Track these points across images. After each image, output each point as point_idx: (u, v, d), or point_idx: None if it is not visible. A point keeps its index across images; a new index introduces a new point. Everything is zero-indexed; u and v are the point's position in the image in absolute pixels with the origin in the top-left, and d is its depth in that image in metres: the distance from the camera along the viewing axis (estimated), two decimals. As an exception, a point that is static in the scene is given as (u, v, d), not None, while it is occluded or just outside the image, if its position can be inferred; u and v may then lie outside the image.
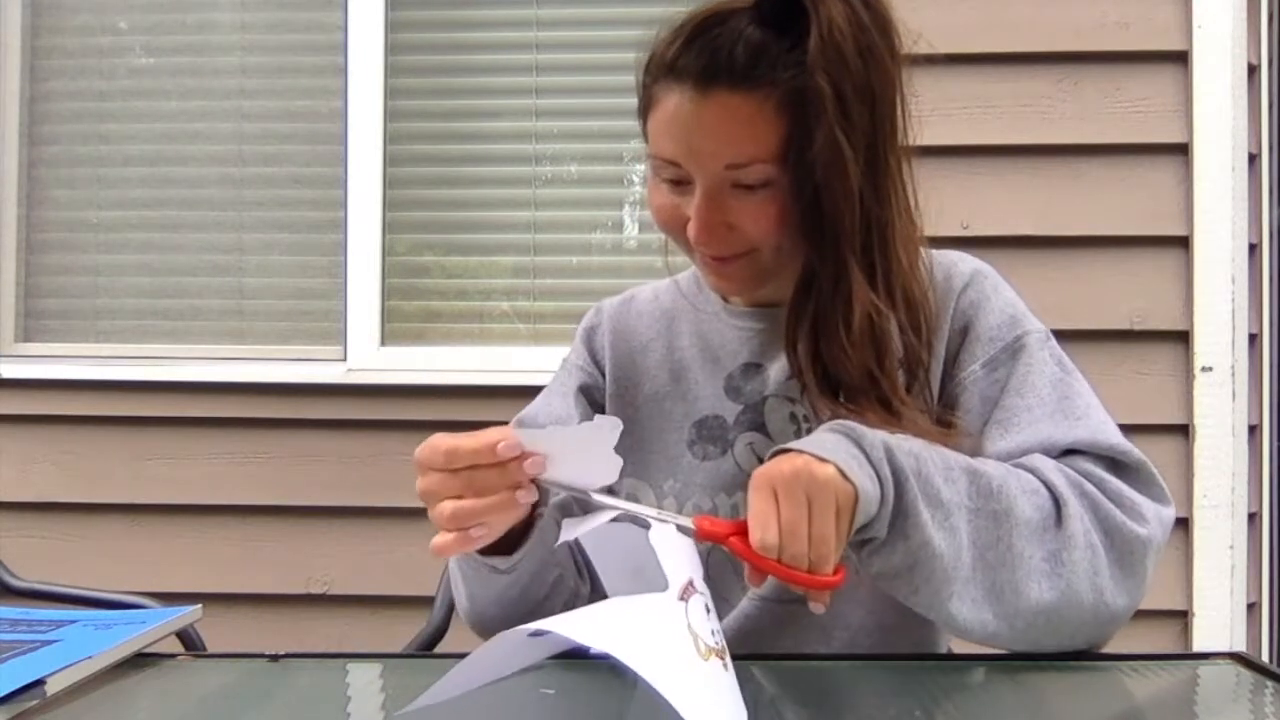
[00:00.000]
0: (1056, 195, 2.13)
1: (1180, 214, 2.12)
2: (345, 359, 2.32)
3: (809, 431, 0.99)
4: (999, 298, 1.04)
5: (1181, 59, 2.13)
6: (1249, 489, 2.12)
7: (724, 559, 1.04)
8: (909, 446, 0.86)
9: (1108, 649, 0.98)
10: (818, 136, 0.90)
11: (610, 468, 0.82)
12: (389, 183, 2.36)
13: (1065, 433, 0.94)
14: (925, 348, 0.99)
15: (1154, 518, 0.91)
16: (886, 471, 0.83)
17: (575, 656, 0.77)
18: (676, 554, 0.77)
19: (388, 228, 2.36)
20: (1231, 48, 2.11)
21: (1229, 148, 2.10)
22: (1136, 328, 2.12)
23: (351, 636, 2.20)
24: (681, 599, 0.72)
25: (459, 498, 0.81)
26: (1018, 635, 0.89)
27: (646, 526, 0.79)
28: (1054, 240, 2.13)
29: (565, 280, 2.37)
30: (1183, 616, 2.10)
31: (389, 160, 2.36)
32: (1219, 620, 2.08)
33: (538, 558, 0.94)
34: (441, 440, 0.82)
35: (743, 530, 0.78)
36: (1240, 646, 2.03)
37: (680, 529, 0.79)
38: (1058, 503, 0.89)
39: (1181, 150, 2.13)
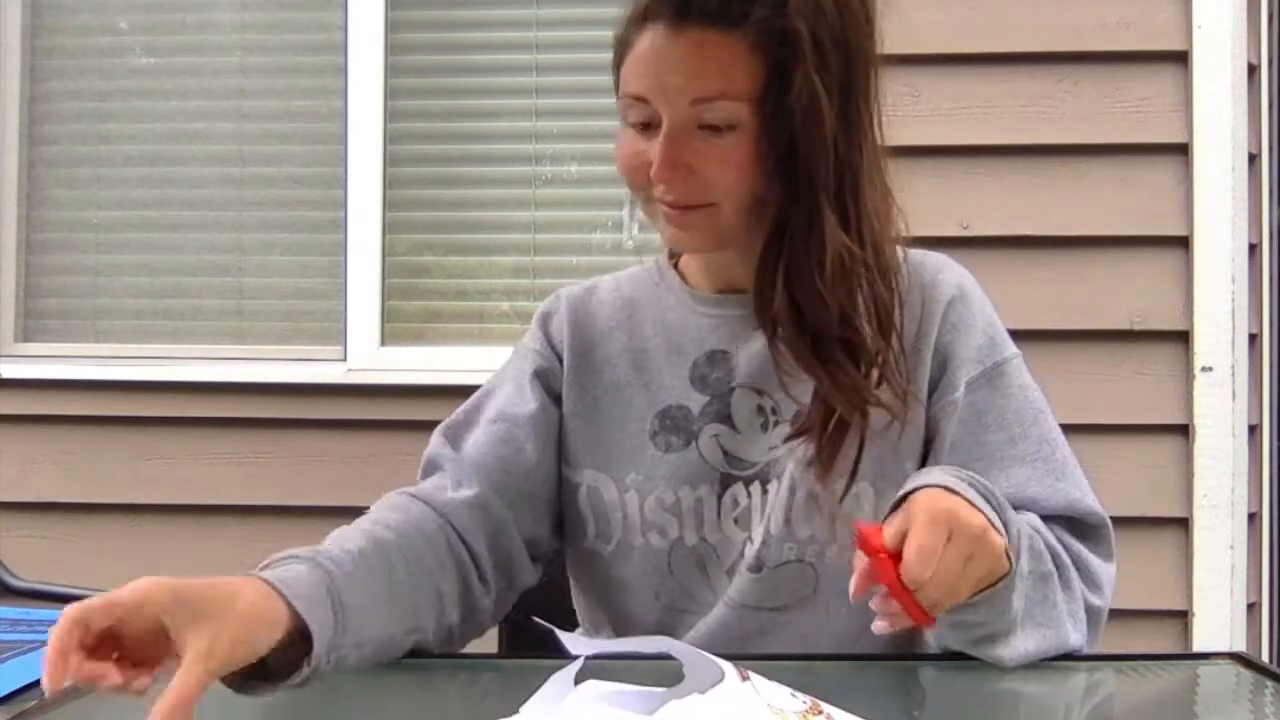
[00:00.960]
0: (1056, 195, 2.13)
1: (1180, 214, 2.12)
2: (345, 359, 2.32)
3: (776, 425, 1.00)
4: (982, 318, 1.03)
5: (1181, 59, 2.13)
6: (1249, 489, 2.12)
7: (688, 558, 1.02)
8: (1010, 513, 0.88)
9: (1107, 649, 0.98)
10: (795, 80, 0.91)
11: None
12: (389, 183, 2.36)
13: (1049, 495, 0.97)
14: (896, 305, 0.98)
15: (1107, 584, 0.98)
16: (1013, 555, 0.85)
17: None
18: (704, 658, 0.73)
19: (388, 228, 2.36)
20: (1231, 48, 2.10)
21: (1229, 148, 2.10)
22: (1136, 328, 2.12)
23: (351, 636, 2.20)
24: (744, 680, 0.70)
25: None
26: (1018, 661, 0.91)
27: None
28: (1054, 240, 2.13)
29: (565, 280, 2.36)
30: (1183, 616, 2.10)
31: (389, 160, 2.36)
32: (1219, 620, 2.08)
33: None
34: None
35: (896, 553, 0.78)
36: (1240, 646, 2.03)
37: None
38: (1059, 566, 0.94)
39: (1181, 150, 2.13)
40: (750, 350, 1.02)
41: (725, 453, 1.02)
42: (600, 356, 1.09)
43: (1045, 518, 0.96)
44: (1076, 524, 0.98)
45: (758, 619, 1.00)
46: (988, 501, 0.84)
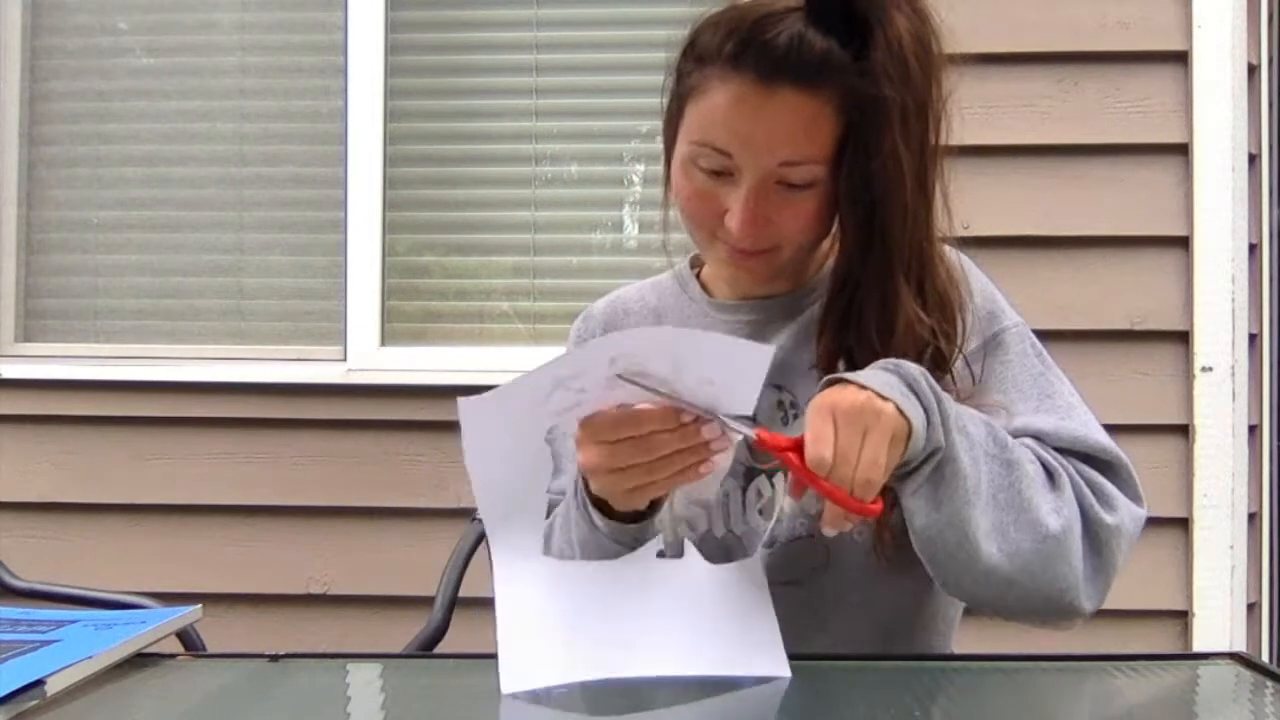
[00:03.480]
0: (1056, 195, 2.13)
1: (1180, 214, 2.12)
2: (345, 359, 2.32)
3: (795, 420, 1.02)
4: (979, 294, 1.05)
5: (1181, 59, 2.13)
6: (1249, 489, 2.12)
7: (717, 549, 1.04)
8: (938, 388, 0.91)
9: (1108, 649, 0.98)
10: (882, 147, 0.92)
11: (751, 394, 0.86)
12: (389, 183, 2.36)
13: (1050, 426, 0.98)
14: (954, 343, 0.99)
15: (1125, 509, 0.96)
16: (933, 404, 0.88)
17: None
18: None
19: (388, 228, 2.36)
20: (1231, 48, 2.11)
21: (1229, 148, 2.10)
22: (1136, 328, 2.12)
23: (351, 636, 2.20)
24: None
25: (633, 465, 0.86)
26: (1013, 574, 0.92)
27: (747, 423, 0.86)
28: (1054, 240, 2.13)
29: (565, 280, 2.37)
30: (1183, 616, 2.10)
31: (389, 160, 2.36)
32: (1219, 620, 2.08)
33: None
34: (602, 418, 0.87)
35: (797, 446, 0.84)
36: (1240, 646, 2.03)
37: (745, 438, 0.87)
38: (1050, 473, 0.95)
39: (1181, 150, 2.13)
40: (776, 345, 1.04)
41: (750, 450, 1.03)
42: None
43: (1055, 450, 0.97)
44: (1092, 460, 0.98)
45: (775, 593, 1.01)
46: (898, 378, 0.88)
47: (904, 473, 0.89)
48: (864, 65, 0.91)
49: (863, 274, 0.96)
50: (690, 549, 0.94)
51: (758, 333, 1.07)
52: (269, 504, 2.25)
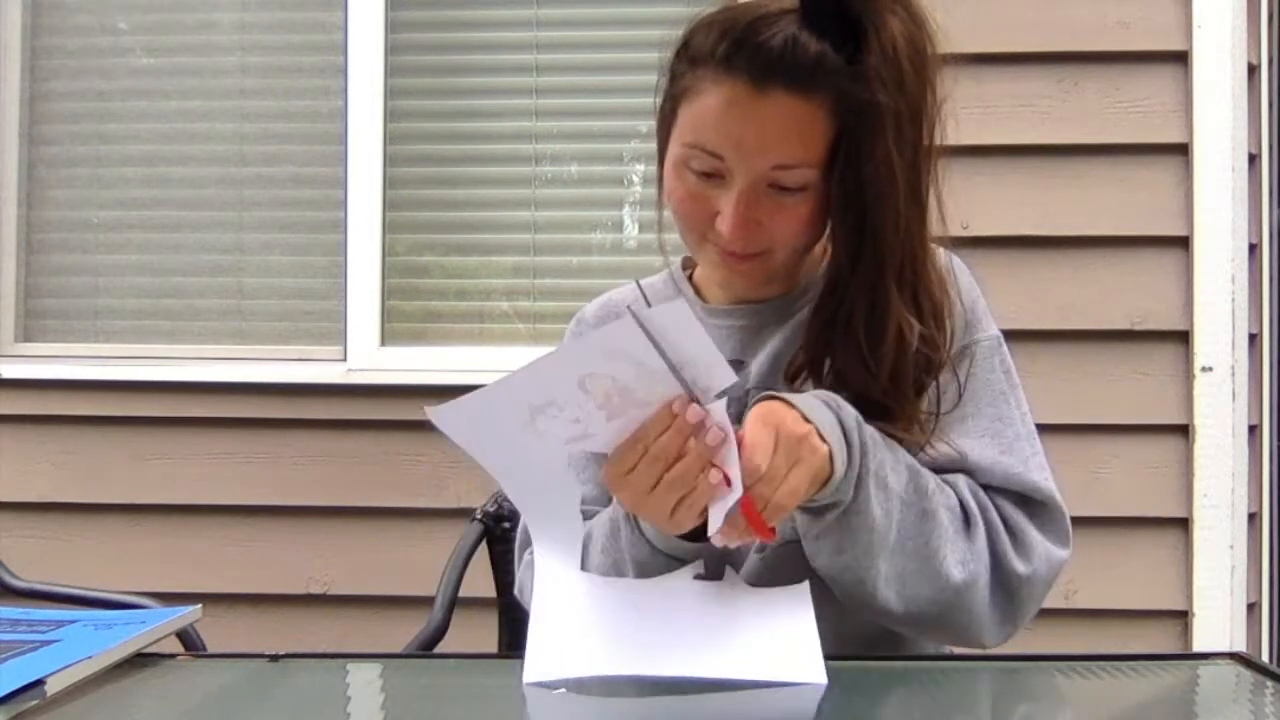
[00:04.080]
0: (1056, 195, 2.13)
1: (1180, 214, 2.12)
2: (345, 359, 2.32)
3: None
4: (960, 303, 1.03)
5: (1181, 59, 2.13)
6: (1249, 489, 2.12)
7: (711, 555, 1.01)
8: (873, 434, 0.93)
9: (1108, 649, 0.98)
10: (875, 153, 0.91)
11: (727, 374, 0.85)
12: (389, 183, 2.36)
13: (990, 466, 0.98)
14: (943, 347, 0.99)
15: (1042, 558, 0.97)
16: (856, 454, 0.89)
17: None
18: None
19: (388, 228, 2.36)
20: (1231, 48, 2.10)
21: (1229, 148, 2.10)
22: (1136, 328, 2.12)
23: (351, 636, 2.20)
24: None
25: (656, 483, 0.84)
26: (907, 617, 0.95)
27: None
28: (1054, 240, 2.13)
29: (565, 280, 2.37)
30: (1183, 616, 2.10)
31: (389, 160, 2.36)
32: (1219, 620, 2.08)
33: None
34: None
35: (740, 441, 0.84)
36: (1240, 646, 2.03)
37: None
38: (969, 522, 0.96)
39: (1181, 150, 2.13)
40: (762, 356, 1.05)
41: None
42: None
43: (988, 489, 0.98)
44: (1025, 500, 0.98)
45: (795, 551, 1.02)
46: (838, 420, 0.89)
47: (808, 511, 0.91)
48: (858, 69, 0.91)
49: (853, 279, 0.95)
50: (730, 573, 0.96)
51: (750, 337, 1.07)
52: (269, 504, 2.25)
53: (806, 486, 0.86)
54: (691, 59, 0.96)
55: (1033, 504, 0.98)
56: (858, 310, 0.95)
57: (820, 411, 0.88)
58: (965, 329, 1.02)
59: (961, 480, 0.98)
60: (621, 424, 0.85)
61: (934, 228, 0.99)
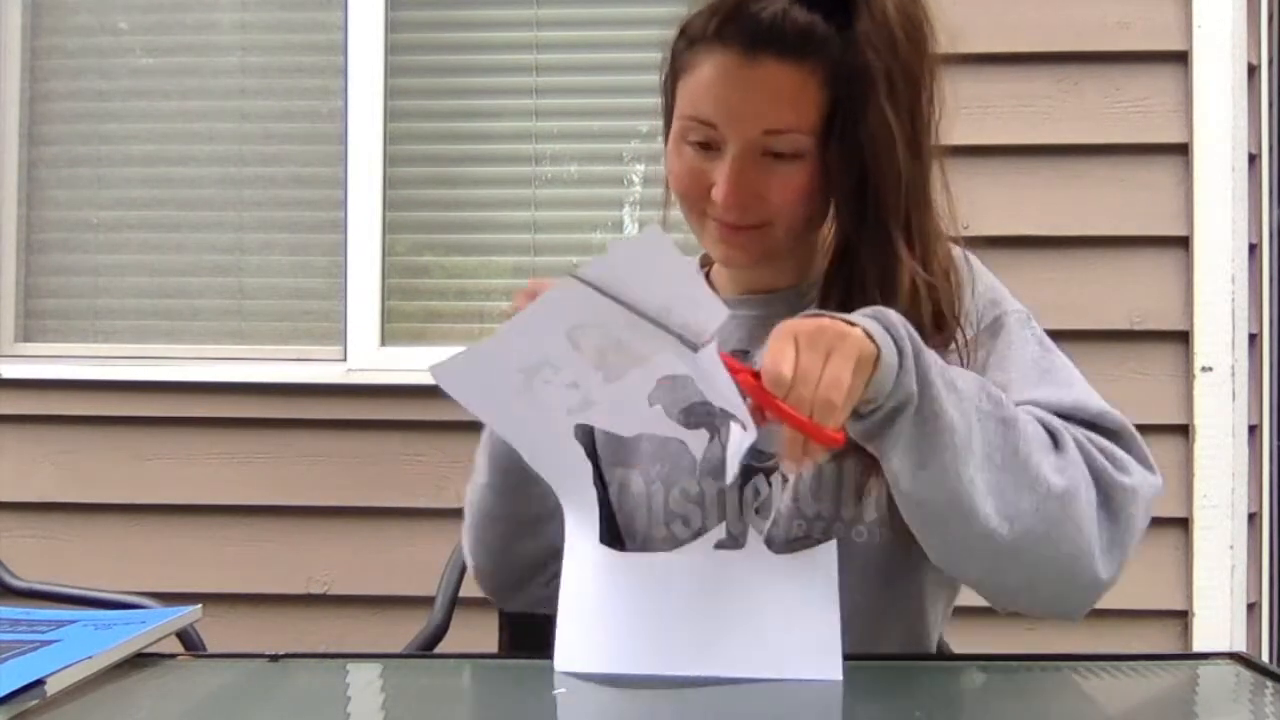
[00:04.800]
0: (1056, 195, 2.13)
1: (1180, 214, 2.12)
2: (345, 359, 2.32)
3: None
4: (979, 282, 1.04)
5: (1181, 59, 2.13)
6: (1249, 489, 2.12)
7: None
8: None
9: (1107, 649, 0.97)
10: (869, 115, 0.92)
11: (718, 310, 0.80)
12: (389, 183, 2.36)
13: (1049, 395, 0.95)
14: (956, 319, 0.99)
15: (1138, 473, 0.92)
16: (908, 346, 0.84)
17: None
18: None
19: (388, 228, 2.36)
20: (1231, 48, 2.10)
21: (1229, 148, 2.10)
22: (1136, 328, 2.12)
23: (351, 636, 2.20)
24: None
25: None
26: (1013, 537, 0.87)
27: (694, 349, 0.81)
28: (1054, 240, 2.13)
29: (565, 280, 2.37)
30: (1183, 616, 2.10)
31: (389, 160, 2.36)
32: (1219, 620, 2.08)
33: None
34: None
35: (756, 374, 0.79)
36: (1240, 646, 2.03)
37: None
38: (1053, 434, 0.90)
39: (1181, 150, 2.13)
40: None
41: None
42: None
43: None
44: (1097, 428, 0.94)
45: None
46: (879, 321, 0.84)
47: (875, 420, 0.84)
48: (849, 36, 0.92)
49: (860, 243, 0.96)
50: (754, 537, 0.92)
51: (761, 327, 1.05)
52: (269, 504, 2.25)
53: (851, 372, 0.79)
54: (689, 39, 0.98)
55: (1108, 431, 0.94)
56: (870, 272, 0.96)
57: (851, 314, 0.85)
58: (992, 305, 1.02)
59: (1030, 407, 0.93)
60: (621, 389, 0.83)
61: (942, 211, 1.00)
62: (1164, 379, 2.12)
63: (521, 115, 2.38)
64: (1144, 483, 0.92)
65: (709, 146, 0.97)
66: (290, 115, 2.41)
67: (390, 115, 2.36)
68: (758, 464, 1.03)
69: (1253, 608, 2.13)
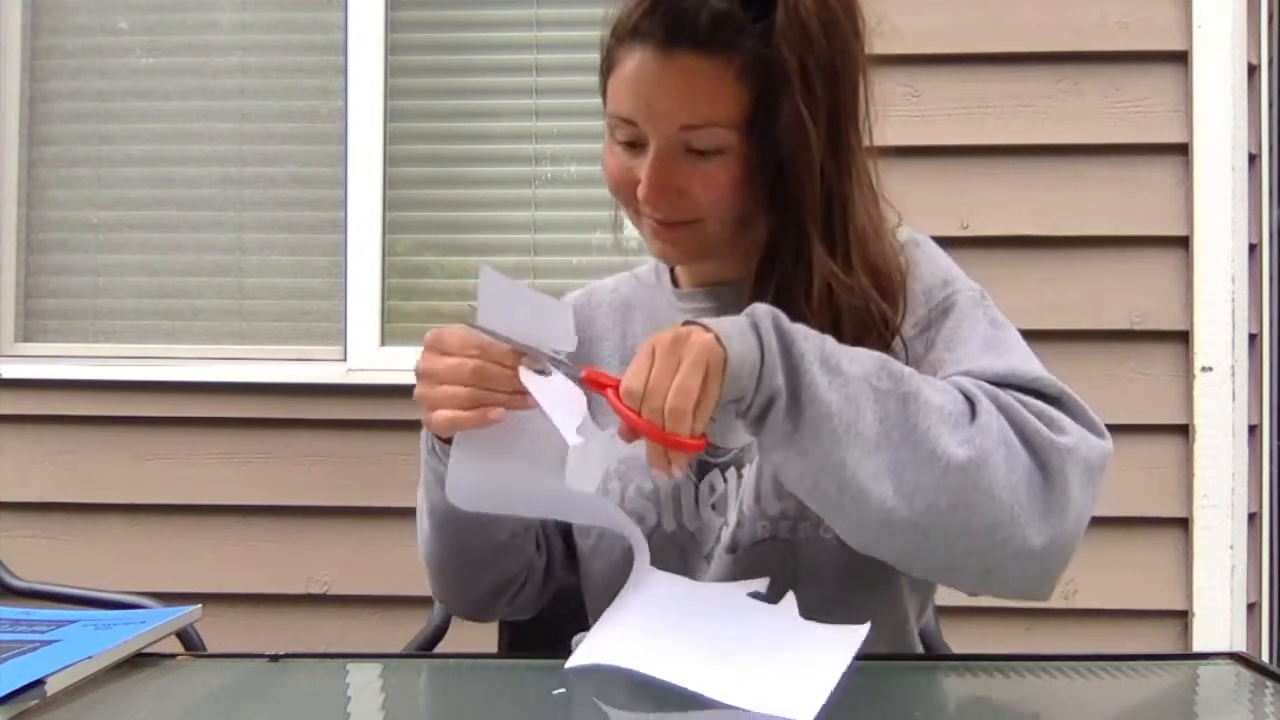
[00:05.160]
0: (1056, 195, 2.13)
1: (1180, 214, 2.12)
2: (345, 359, 2.32)
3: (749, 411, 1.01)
4: (930, 264, 1.03)
5: (1181, 59, 2.13)
6: (1249, 489, 2.12)
7: (667, 545, 1.03)
8: (818, 334, 0.88)
9: (1108, 649, 0.97)
10: (783, 109, 0.92)
11: (569, 336, 0.87)
12: (389, 183, 2.36)
13: (985, 365, 0.93)
14: (896, 310, 0.98)
15: (1078, 433, 0.89)
16: (772, 340, 0.85)
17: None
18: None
19: (388, 228, 2.36)
20: (1231, 48, 2.10)
21: (1229, 148, 2.10)
22: (1136, 328, 2.12)
23: (351, 636, 2.20)
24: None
25: (461, 386, 0.87)
26: (916, 517, 0.85)
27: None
28: (1054, 240, 2.13)
29: (565, 280, 2.37)
30: (1183, 616, 2.10)
31: (389, 160, 2.36)
32: (1219, 620, 2.08)
33: None
34: (455, 330, 0.89)
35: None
36: (1240, 646, 2.03)
37: (570, 376, 0.87)
38: (971, 402, 0.88)
39: (1181, 150, 2.13)
40: None
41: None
42: (595, 359, 1.12)
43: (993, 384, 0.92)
44: (1034, 393, 0.91)
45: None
46: (748, 321, 0.86)
47: (751, 417, 0.85)
48: (763, 27, 0.91)
49: (782, 238, 0.96)
50: (790, 601, 0.91)
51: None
52: (269, 504, 2.25)
53: (700, 380, 0.80)
54: (616, 35, 0.97)
55: (1047, 398, 0.91)
56: (790, 269, 0.96)
57: (722, 319, 0.86)
58: (942, 285, 1.01)
59: (957, 377, 0.92)
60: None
61: (881, 203, 1.00)
62: (1164, 379, 2.12)
63: (521, 115, 2.38)
64: (1083, 443, 0.88)
65: (635, 144, 0.97)
66: (290, 115, 2.41)
67: (390, 115, 2.36)
68: (713, 459, 1.03)
69: (1253, 608, 2.13)
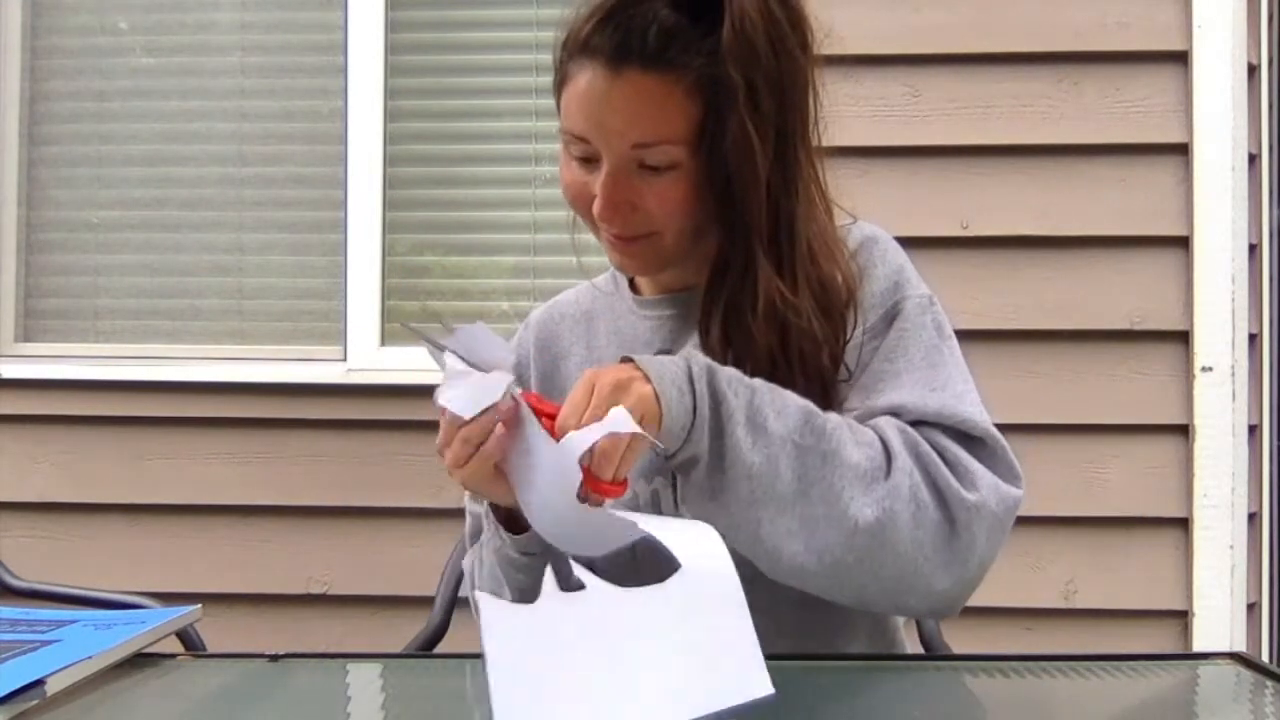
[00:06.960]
0: (1056, 195, 2.13)
1: (1180, 214, 2.12)
2: (345, 359, 2.32)
3: None
4: (884, 265, 1.03)
5: (1181, 59, 2.13)
6: (1249, 489, 2.12)
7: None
8: (751, 383, 0.90)
9: (1108, 649, 0.97)
10: (730, 127, 0.92)
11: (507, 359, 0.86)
12: (389, 183, 2.36)
13: (917, 401, 0.94)
14: (843, 328, 0.99)
15: (988, 488, 0.91)
16: (705, 404, 0.87)
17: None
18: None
19: (388, 228, 2.36)
20: (1231, 48, 2.11)
21: (1229, 148, 2.10)
22: (1136, 328, 2.12)
23: (351, 636, 2.20)
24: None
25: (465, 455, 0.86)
26: (825, 571, 0.88)
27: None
28: (1054, 240, 2.13)
29: (565, 280, 2.36)
30: (1183, 616, 2.10)
31: (389, 160, 2.36)
32: (1219, 620, 2.08)
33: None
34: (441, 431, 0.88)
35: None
36: (1240, 646, 2.03)
37: (513, 398, 0.85)
38: (889, 456, 0.90)
39: (1181, 150, 2.13)
40: (690, 347, 1.04)
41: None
42: (562, 374, 1.14)
43: (918, 424, 0.94)
44: (962, 436, 0.93)
45: None
46: (685, 369, 0.87)
47: (675, 463, 0.88)
48: (711, 44, 0.92)
49: (731, 254, 0.97)
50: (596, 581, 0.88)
51: (679, 326, 1.07)
52: (269, 504, 2.25)
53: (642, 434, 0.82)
54: (568, 48, 0.97)
55: (971, 440, 0.93)
56: (737, 286, 0.96)
57: (658, 363, 0.87)
58: (894, 289, 1.01)
59: (886, 419, 0.93)
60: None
61: (831, 216, 1.00)
62: (1164, 379, 2.12)
63: (521, 115, 2.38)
64: (993, 498, 0.90)
65: (589, 160, 0.98)
66: (290, 115, 2.41)
67: (390, 115, 2.36)
68: None
69: (1253, 608, 2.13)
